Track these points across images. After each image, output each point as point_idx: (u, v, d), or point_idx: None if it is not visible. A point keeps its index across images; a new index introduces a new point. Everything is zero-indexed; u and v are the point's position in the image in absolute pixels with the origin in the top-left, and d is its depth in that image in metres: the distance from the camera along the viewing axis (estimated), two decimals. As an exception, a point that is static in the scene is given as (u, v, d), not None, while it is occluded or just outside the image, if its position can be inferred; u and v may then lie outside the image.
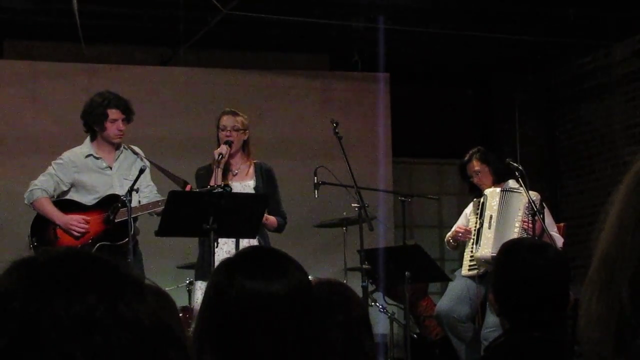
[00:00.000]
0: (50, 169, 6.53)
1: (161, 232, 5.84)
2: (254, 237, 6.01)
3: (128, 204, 5.99)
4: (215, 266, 2.17)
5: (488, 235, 7.00)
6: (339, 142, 6.57)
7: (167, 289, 6.34)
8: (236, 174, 6.45)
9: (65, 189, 6.50)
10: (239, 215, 5.78)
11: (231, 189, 6.03)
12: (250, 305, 1.94)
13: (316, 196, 6.64)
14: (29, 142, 8.96)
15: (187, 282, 7.29)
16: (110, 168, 6.53)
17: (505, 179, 7.19)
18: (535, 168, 9.95)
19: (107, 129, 6.45)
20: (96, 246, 6.26)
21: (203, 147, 7.47)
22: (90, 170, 6.51)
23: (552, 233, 6.86)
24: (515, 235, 6.80)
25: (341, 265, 7.30)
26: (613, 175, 9.38)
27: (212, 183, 6.15)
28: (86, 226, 6.34)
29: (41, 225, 6.40)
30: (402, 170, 10.67)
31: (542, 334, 2.81)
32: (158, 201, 6.25)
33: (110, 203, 6.25)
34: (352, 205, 6.74)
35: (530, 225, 6.89)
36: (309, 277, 2.13)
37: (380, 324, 7.50)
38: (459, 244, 7.31)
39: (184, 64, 9.58)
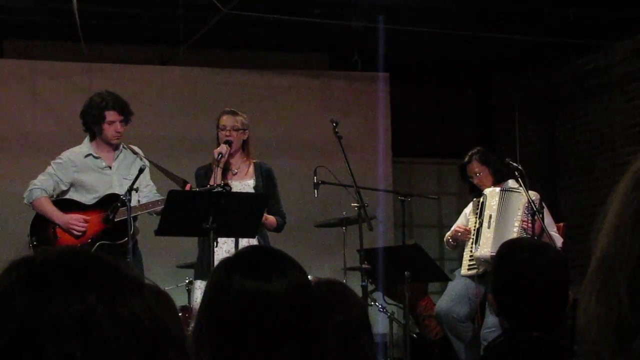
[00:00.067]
0: (49, 169, 6.53)
1: (160, 231, 5.84)
2: (253, 237, 6.01)
3: (128, 204, 5.99)
4: (215, 265, 2.17)
5: (487, 234, 7.01)
6: (338, 141, 6.57)
7: (166, 288, 6.35)
8: (236, 173, 6.46)
9: (64, 188, 6.50)
10: (238, 214, 5.78)
11: (231, 188, 6.03)
12: (250, 304, 1.94)
13: (316, 196, 6.64)
14: (29, 142, 8.96)
15: (187, 281, 7.29)
16: (110, 167, 6.53)
17: (505, 179, 7.20)
18: (535, 168, 9.95)
19: (105, 131, 6.45)
20: (96, 245, 6.26)
21: (203, 147, 7.47)
22: (90, 169, 6.51)
23: (551, 233, 6.86)
24: (515, 235, 6.81)
25: (341, 265, 7.29)
26: (613, 175, 9.38)
27: (211, 182, 6.15)
28: (86, 225, 6.34)
29: (41, 225, 6.40)
30: (402, 169, 10.68)
31: (541, 333, 2.81)
32: (158, 200, 6.25)
33: (110, 202, 6.25)
34: (352, 204, 6.74)
35: (530, 225, 6.89)
36: (309, 276, 2.13)
37: (379, 324, 7.50)
38: (458, 244, 7.31)
39: (183, 63, 9.58)
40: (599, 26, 9.35)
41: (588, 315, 1.13)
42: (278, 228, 6.44)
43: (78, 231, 6.33)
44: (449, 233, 7.39)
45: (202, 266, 6.20)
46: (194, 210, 5.70)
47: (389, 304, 7.50)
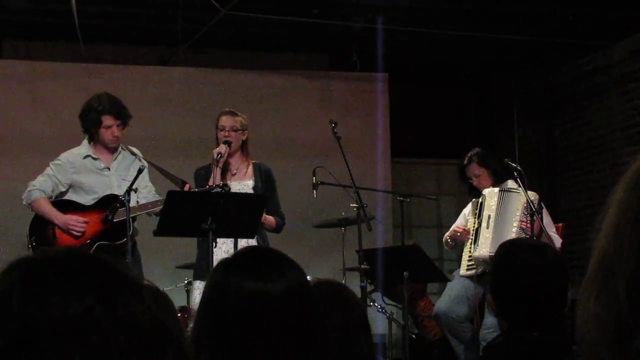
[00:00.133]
0: (48, 170, 6.53)
1: (159, 232, 5.83)
2: (252, 237, 6.01)
3: (127, 204, 5.98)
4: (214, 266, 2.17)
5: (486, 235, 7.01)
6: (337, 142, 6.57)
7: (165, 289, 6.36)
8: (235, 173, 6.46)
9: (63, 189, 6.50)
10: (237, 215, 5.77)
11: (230, 188, 6.03)
12: (249, 305, 1.94)
13: (315, 196, 6.64)
14: (28, 142, 8.96)
15: (186, 282, 7.28)
16: (109, 169, 6.53)
17: (504, 180, 7.20)
18: (534, 168, 9.96)
19: (102, 135, 6.46)
20: (95, 246, 6.26)
21: (202, 147, 7.47)
22: (89, 171, 6.51)
23: (550, 233, 6.86)
24: (513, 235, 6.81)
25: (340, 265, 7.29)
26: (612, 175, 9.38)
27: (210, 183, 6.15)
28: (84, 226, 6.34)
29: (40, 225, 6.40)
30: (401, 170, 10.67)
31: (540, 334, 2.81)
32: (157, 201, 6.25)
33: (109, 203, 6.24)
34: (351, 205, 6.74)
35: (529, 225, 6.89)
36: (307, 277, 2.13)
37: (378, 324, 7.50)
38: (457, 244, 7.31)
39: (183, 63, 9.57)
40: (598, 26, 9.35)
41: (587, 315, 1.13)
42: (277, 228, 6.44)
43: (77, 232, 6.33)
44: (447, 233, 7.39)
45: (201, 267, 6.19)
46: (193, 210, 5.70)
47: (388, 304, 7.50)
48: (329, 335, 2.08)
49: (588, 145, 10.06)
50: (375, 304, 7.23)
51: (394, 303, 7.90)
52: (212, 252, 5.67)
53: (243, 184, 6.42)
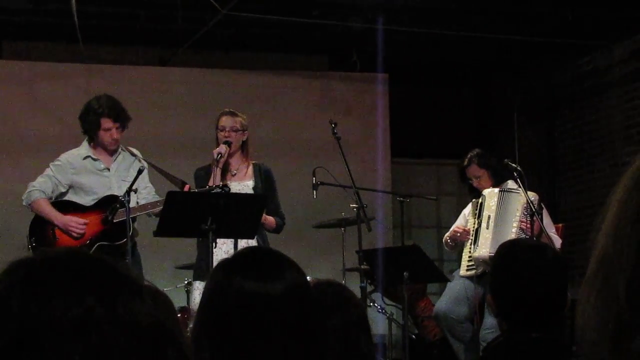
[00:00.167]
0: (48, 171, 6.53)
1: (159, 232, 5.84)
2: (252, 238, 6.01)
3: (126, 205, 5.99)
4: (214, 266, 2.17)
5: (486, 235, 7.01)
6: (337, 142, 6.57)
7: (165, 289, 6.36)
8: (235, 174, 6.46)
9: (63, 190, 6.50)
10: (237, 215, 5.78)
11: (229, 189, 6.03)
12: (248, 305, 1.94)
13: (315, 197, 6.64)
14: (27, 143, 8.96)
15: (186, 282, 7.28)
16: (108, 169, 6.54)
17: (504, 180, 7.20)
18: (534, 168, 9.96)
19: (101, 137, 6.46)
20: (95, 246, 6.26)
21: (202, 148, 7.47)
22: (88, 171, 6.51)
23: (550, 234, 6.86)
24: (513, 236, 6.80)
25: (339, 266, 7.29)
26: (611, 175, 9.38)
27: (210, 183, 6.15)
28: (84, 227, 6.34)
29: (40, 226, 6.41)
30: (401, 170, 10.67)
31: (540, 334, 2.81)
32: (157, 201, 6.25)
33: (109, 204, 6.25)
34: (351, 205, 6.75)
35: (528, 225, 6.89)
36: (307, 277, 2.13)
37: (378, 325, 7.50)
38: (457, 245, 7.31)
39: (182, 64, 9.57)
40: (598, 27, 9.35)
41: (587, 315, 1.13)
42: (277, 229, 6.44)
43: (76, 233, 6.33)
44: (447, 234, 7.39)
45: (201, 267, 6.19)
46: (192, 211, 5.70)
47: (387, 304, 7.50)
48: (328, 335, 2.08)
49: (588, 146, 10.06)
50: (375, 305, 7.23)
51: (393, 303, 7.90)
52: (212, 253, 5.67)
53: (243, 184, 6.42)
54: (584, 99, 10.15)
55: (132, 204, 6.14)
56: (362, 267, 6.54)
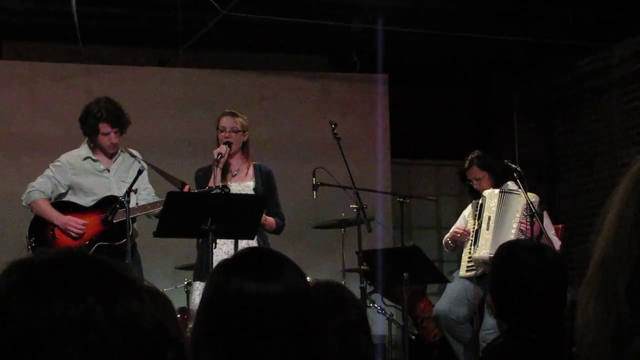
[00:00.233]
0: (48, 171, 6.53)
1: (159, 233, 5.83)
2: (252, 238, 6.01)
3: (126, 205, 5.99)
4: (214, 267, 2.17)
5: (486, 236, 7.00)
6: (337, 143, 6.57)
7: (165, 290, 6.36)
8: (235, 174, 6.45)
9: (63, 191, 6.50)
10: (237, 216, 5.77)
11: (229, 189, 6.03)
12: (248, 306, 1.94)
13: (315, 197, 6.64)
14: (27, 143, 8.96)
15: (185, 283, 7.28)
16: (108, 170, 6.54)
17: (505, 181, 7.20)
18: (534, 169, 9.96)
19: (99, 141, 6.47)
20: (94, 247, 6.26)
21: (202, 148, 7.47)
22: (88, 172, 6.51)
23: (549, 235, 6.85)
24: (512, 237, 6.80)
25: (339, 267, 7.29)
26: (611, 176, 9.38)
27: (211, 184, 6.15)
28: (83, 227, 6.34)
29: (39, 226, 6.41)
30: (401, 171, 10.67)
31: (539, 335, 2.81)
32: (156, 202, 6.25)
33: (109, 204, 6.24)
34: (351, 206, 6.74)
35: (528, 226, 6.88)
36: (307, 278, 2.13)
37: (378, 325, 7.49)
38: (457, 246, 7.31)
39: (182, 64, 9.57)
40: (598, 27, 9.35)
41: (587, 316, 1.13)
42: (277, 230, 6.44)
43: (76, 233, 6.33)
44: (447, 235, 7.38)
45: (201, 267, 6.19)
46: (192, 211, 5.70)
47: (387, 305, 7.49)
48: (328, 336, 2.08)
49: (588, 146, 10.06)
50: (375, 305, 7.23)
51: (393, 304, 7.89)
52: (212, 253, 5.67)
53: (244, 185, 6.42)
54: (583, 99, 10.15)
55: (132, 205, 6.14)
56: (362, 267, 6.54)
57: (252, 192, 6.38)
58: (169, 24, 8.65)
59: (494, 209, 7.04)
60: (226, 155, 6.30)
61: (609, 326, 1.10)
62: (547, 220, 7.05)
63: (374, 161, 9.58)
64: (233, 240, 6.10)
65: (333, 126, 6.64)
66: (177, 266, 7.77)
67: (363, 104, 10.02)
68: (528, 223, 6.87)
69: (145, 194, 6.48)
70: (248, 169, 6.50)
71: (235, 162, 6.47)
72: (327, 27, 8.92)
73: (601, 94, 9.90)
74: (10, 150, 9.01)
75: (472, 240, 7.11)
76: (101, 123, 6.40)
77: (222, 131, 6.42)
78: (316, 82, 10.07)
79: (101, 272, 1.13)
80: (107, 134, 6.42)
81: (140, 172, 6.18)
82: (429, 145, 10.69)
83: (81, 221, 6.36)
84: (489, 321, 6.68)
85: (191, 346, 1.97)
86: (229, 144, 6.33)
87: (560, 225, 7.53)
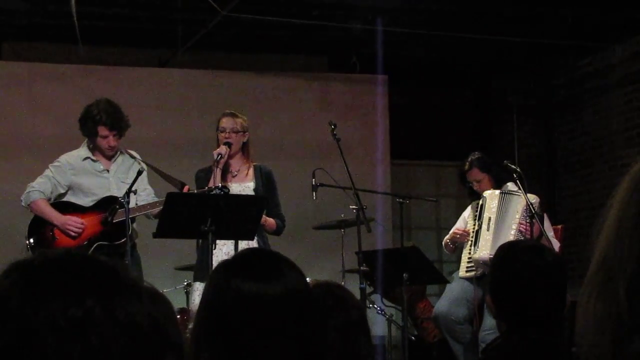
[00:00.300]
0: (47, 172, 6.53)
1: (159, 234, 5.83)
2: (251, 239, 6.01)
3: (126, 205, 5.99)
4: (214, 268, 2.17)
5: (487, 237, 7.00)
6: (337, 144, 6.57)
7: (164, 290, 6.36)
8: (235, 175, 6.45)
9: (62, 191, 6.50)
10: (236, 217, 5.77)
11: (229, 190, 6.03)
12: (248, 306, 1.94)
13: (314, 198, 6.64)
14: (27, 144, 8.96)
15: (185, 283, 7.28)
16: (108, 171, 6.54)
17: (505, 182, 7.20)
18: (533, 170, 9.96)
19: (98, 143, 6.47)
20: (94, 246, 6.26)
21: (202, 149, 7.47)
22: (88, 172, 6.51)
23: (548, 237, 6.85)
24: (512, 238, 6.80)
25: (339, 267, 7.28)
26: (611, 177, 9.38)
27: (210, 184, 6.15)
28: (82, 227, 6.34)
29: (38, 226, 6.41)
30: (400, 172, 10.67)
31: (539, 335, 2.80)
32: (156, 202, 6.26)
33: (108, 205, 6.24)
34: (350, 207, 6.74)
35: (528, 227, 6.88)
36: (307, 279, 2.12)
37: (378, 326, 7.50)
38: (457, 247, 7.31)
39: (182, 65, 9.57)
40: (598, 28, 9.36)
41: (587, 316, 1.13)
42: (277, 231, 6.43)
43: (74, 232, 6.33)
44: (447, 236, 7.38)
45: (201, 268, 6.19)
46: (192, 212, 5.70)
47: (387, 306, 7.49)
48: (328, 337, 2.07)
49: (588, 147, 10.06)
50: (375, 306, 7.23)
51: (393, 305, 7.90)
52: (212, 254, 5.67)
53: (244, 185, 6.42)
54: (583, 100, 10.15)
55: (131, 206, 6.13)
56: (362, 268, 6.53)
57: (252, 193, 6.37)
58: (168, 25, 8.65)
59: (495, 209, 7.04)
60: (226, 156, 6.30)
61: (609, 326, 1.10)
62: (547, 223, 7.05)
63: (373, 162, 9.59)
64: (233, 241, 6.10)
65: (333, 127, 6.64)
66: (177, 267, 7.77)
67: (363, 105, 10.02)
68: (528, 224, 6.87)
69: (145, 194, 6.48)
70: (248, 170, 6.50)
71: (236, 163, 6.47)
72: (327, 27, 8.93)
73: (601, 95, 9.90)
74: (10, 150, 9.01)
75: (472, 240, 7.11)
76: (100, 126, 6.39)
77: (222, 132, 6.42)
78: (316, 83, 10.07)
79: (101, 272, 1.13)
80: (105, 137, 6.42)
81: (139, 173, 6.18)
82: (429, 146, 10.69)
83: (80, 220, 6.36)
84: (489, 322, 6.67)
85: (191, 346, 1.97)
86: (228, 144, 6.33)
87: (559, 226, 7.53)
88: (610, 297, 1.10)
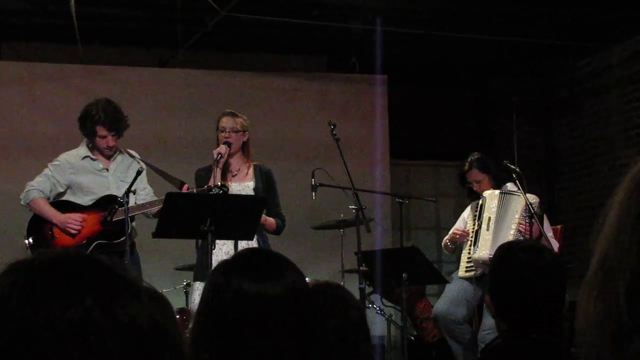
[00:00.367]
0: (46, 171, 6.53)
1: (158, 233, 5.83)
2: (251, 239, 6.00)
3: (125, 205, 5.99)
4: (213, 267, 2.17)
5: (486, 237, 7.01)
6: (336, 144, 6.57)
7: (164, 290, 6.36)
8: (235, 175, 6.46)
9: (61, 190, 6.50)
10: (236, 216, 5.77)
11: (228, 189, 6.02)
12: (247, 306, 1.94)
13: (314, 198, 6.64)
14: (26, 144, 8.96)
15: (184, 283, 7.29)
16: (107, 170, 6.54)
17: (504, 183, 7.20)
18: (533, 170, 9.96)
19: (97, 143, 6.47)
20: (93, 245, 6.26)
21: (201, 149, 7.47)
22: (87, 171, 6.51)
23: (547, 237, 6.85)
24: (511, 238, 6.80)
25: (338, 267, 7.29)
26: (610, 177, 9.38)
27: (210, 183, 6.15)
28: (82, 224, 6.33)
29: (37, 225, 6.41)
30: (400, 172, 10.67)
31: (538, 335, 2.81)
32: (155, 201, 6.26)
33: (108, 203, 6.24)
34: (350, 207, 6.74)
35: (527, 228, 6.88)
36: (306, 279, 2.12)
37: (377, 326, 7.50)
38: (457, 247, 7.31)
39: (182, 65, 9.57)
40: (597, 28, 9.36)
41: (586, 317, 1.13)
42: (277, 230, 6.43)
43: (74, 229, 6.33)
44: (447, 237, 7.38)
45: (201, 268, 6.19)
46: (191, 212, 5.70)
47: (386, 306, 7.50)
48: (327, 337, 2.07)
49: (587, 147, 10.06)
50: (374, 306, 7.23)
51: (392, 305, 7.90)
52: (211, 254, 5.67)
53: (244, 185, 6.42)
54: (582, 100, 10.15)
55: (131, 205, 6.13)
56: (361, 268, 6.54)
57: (252, 193, 6.38)
58: (168, 25, 8.64)
59: (494, 209, 7.04)
60: (226, 155, 6.30)
61: (609, 327, 1.10)
62: (546, 223, 7.05)
63: (373, 162, 9.59)
64: (233, 241, 6.10)
65: (332, 127, 6.64)
66: (177, 267, 7.77)
67: (362, 105, 10.02)
68: (527, 224, 6.88)
69: (144, 194, 6.48)
70: (248, 169, 6.50)
71: (235, 162, 6.47)
72: (327, 28, 8.92)
73: (600, 95, 9.90)
74: (9, 150, 9.01)
75: (471, 240, 7.11)
76: (98, 126, 6.39)
77: (222, 131, 6.42)
78: (315, 83, 10.07)
79: (100, 272, 1.13)
80: (104, 137, 6.42)
81: (139, 172, 6.18)
82: (428, 146, 10.69)
83: (80, 216, 6.35)
84: (488, 321, 6.68)
85: (191, 346, 1.97)
86: (228, 144, 6.33)
87: (559, 226, 7.53)
88: (610, 297, 1.10)
